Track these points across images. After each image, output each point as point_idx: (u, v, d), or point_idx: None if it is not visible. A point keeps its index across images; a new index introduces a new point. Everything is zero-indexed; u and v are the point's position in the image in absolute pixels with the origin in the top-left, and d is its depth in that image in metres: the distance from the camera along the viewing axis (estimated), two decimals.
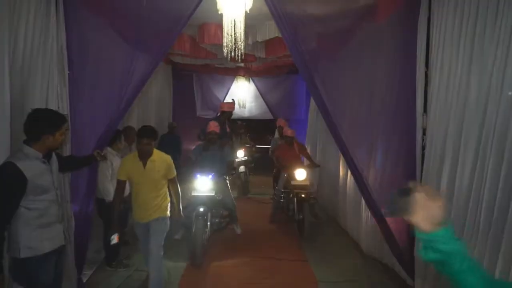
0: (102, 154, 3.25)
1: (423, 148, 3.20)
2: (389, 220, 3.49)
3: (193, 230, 4.16)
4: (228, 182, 5.26)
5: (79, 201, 3.36)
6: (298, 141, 6.10)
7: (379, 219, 3.53)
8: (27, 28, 2.83)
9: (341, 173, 5.48)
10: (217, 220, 4.74)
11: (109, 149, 3.86)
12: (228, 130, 6.01)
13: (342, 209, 5.46)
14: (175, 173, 3.43)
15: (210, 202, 4.45)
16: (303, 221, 5.05)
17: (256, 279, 3.91)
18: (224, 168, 4.95)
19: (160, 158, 3.32)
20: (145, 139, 3.16)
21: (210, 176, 4.52)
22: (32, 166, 2.30)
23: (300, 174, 5.27)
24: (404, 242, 3.37)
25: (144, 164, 3.24)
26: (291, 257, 4.53)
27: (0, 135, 2.55)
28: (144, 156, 3.24)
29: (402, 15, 3.46)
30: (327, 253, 4.59)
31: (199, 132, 5.87)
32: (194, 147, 5.27)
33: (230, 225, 5.19)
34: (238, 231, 5.21)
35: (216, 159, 4.86)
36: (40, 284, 2.41)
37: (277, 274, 4.05)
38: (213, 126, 4.86)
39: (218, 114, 6.19)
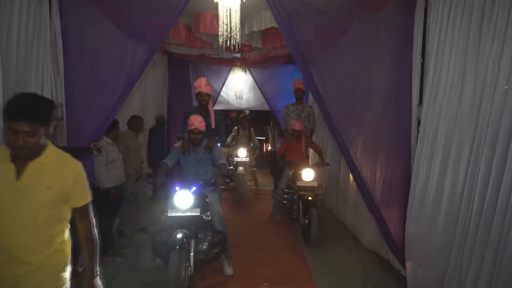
0: (99, 146, 3.23)
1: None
2: (384, 214, 3.52)
3: (168, 266, 2.99)
4: (219, 195, 4.08)
5: None
6: (306, 136, 5.57)
7: (374, 211, 3.55)
8: (20, 15, 2.80)
9: (340, 164, 5.45)
10: (204, 248, 3.47)
11: (104, 137, 3.87)
12: (212, 125, 4.35)
13: (342, 203, 5.42)
14: (88, 196, 1.81)
15: (194, 225, 3.32)
16: (309, 227, 4.43)
17: (251, 269, 3.93)
18: (216, 176, 3.78)
19: (56, 162, 1.71)
20: (21, 123, 1.52)
21: (194, 188, 3.36)
22: None
23: (308, 175, 4.76)
24: (399, 235, 3.39)
25: (19, 171, 1.62)
26: (286, 247, 4.56)
27: None
28: (21, 156, 1.62)
29: (399, 5, 3.44)
30: (322, 245, 4.59)
31: (178, 131, 4.46)
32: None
33: (219, 259, 3.73)
34: (229, 271, 3.72)
35: (201, 164, 3.81)
36: None
37: (272, 263, 4.08)
38: (197, 122, 3.65)
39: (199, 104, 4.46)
